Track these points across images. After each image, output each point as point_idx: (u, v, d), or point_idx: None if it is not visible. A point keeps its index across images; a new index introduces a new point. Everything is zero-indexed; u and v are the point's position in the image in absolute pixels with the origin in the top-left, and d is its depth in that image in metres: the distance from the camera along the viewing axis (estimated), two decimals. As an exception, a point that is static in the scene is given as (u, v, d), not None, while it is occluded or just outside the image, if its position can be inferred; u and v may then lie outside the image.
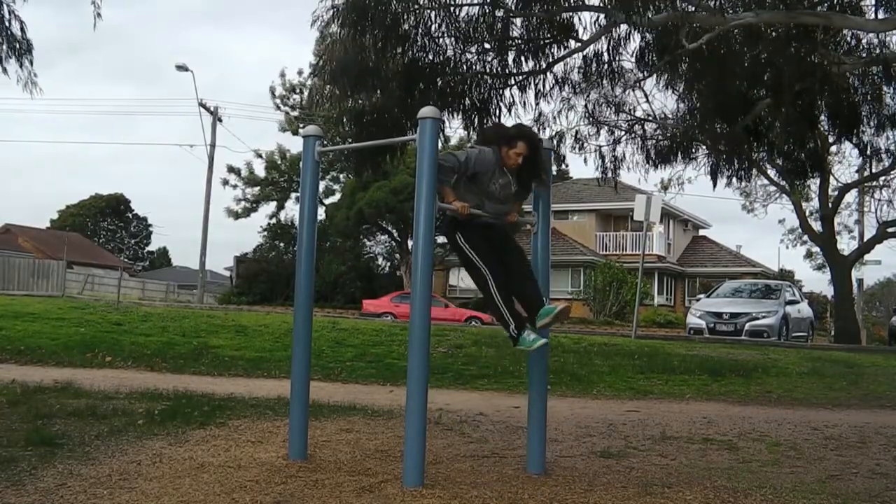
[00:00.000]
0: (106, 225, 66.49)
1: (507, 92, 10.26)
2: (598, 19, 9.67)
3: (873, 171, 21.55)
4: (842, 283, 23.04)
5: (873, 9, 9.45)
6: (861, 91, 10.75)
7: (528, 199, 5.31)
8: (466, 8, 9.28)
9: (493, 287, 4.83)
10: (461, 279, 33.36)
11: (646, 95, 11.79)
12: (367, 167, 10.57)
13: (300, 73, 35.92)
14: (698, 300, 23.13)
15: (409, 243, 29.26)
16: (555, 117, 11.19)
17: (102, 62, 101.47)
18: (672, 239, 38.52)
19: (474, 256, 4.89)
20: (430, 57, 9.47)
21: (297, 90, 36.39)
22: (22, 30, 9.92)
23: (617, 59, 10.28)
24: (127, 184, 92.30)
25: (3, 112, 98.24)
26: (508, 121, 9.84)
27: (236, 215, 37.93)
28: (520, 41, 9.81)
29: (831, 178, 24.04)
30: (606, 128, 11.71)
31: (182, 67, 32.20)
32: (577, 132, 11.55)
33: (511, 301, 4.87)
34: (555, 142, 11.18)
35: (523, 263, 5.01)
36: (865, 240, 27.30)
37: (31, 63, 10.16)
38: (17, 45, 9.94)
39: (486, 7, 9.09)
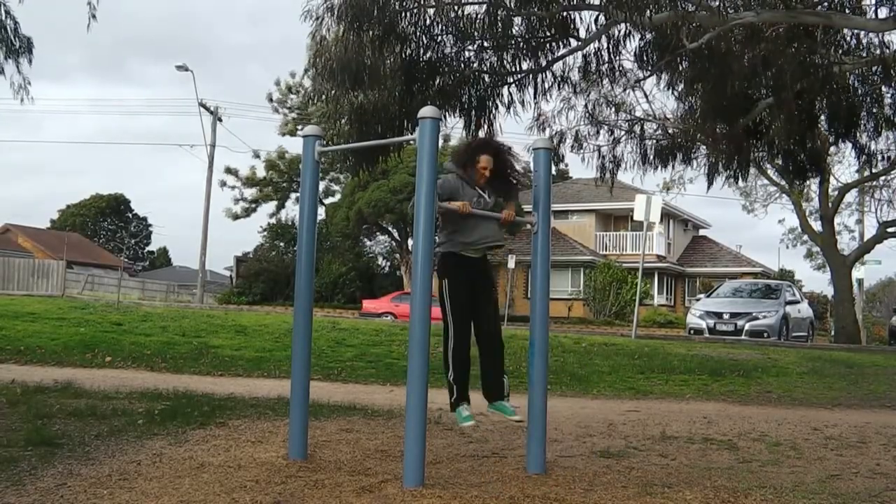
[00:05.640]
0: (106, 225, 66.42)
1: (505, 90, 10.27)
2: (597, 18, 9.66)
3: (873, 171, 21.55)
4: (842, 283, 23.05)
5: (874, 8, 9.45)
6: (861, 91, 10.75)
7: (528, 199, 5.31)
8: (466, 6, 9.27)
9: (451, 349, 5.01)
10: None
11: (645, 95, 11.78)
12: (363, 165, 10.57)
13: (293, 75, 35.96)
14: (698, 300, 23.13)
15: (409, 243, 29.25)
16: (554, 117, 11.19)
17: (102, 61, 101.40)
18: (672, 239, 38.51)
19: (448, 309, 5.00)
20: (429, 55, 9.47)
21: (295, 90, 36.38)
22: (15, 29, 9.90)
23: (617, 58, 10.28)
24: (127, 184, 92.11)
25: (3, 112, 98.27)
26: (507, 120, 9.87)
27: (235, 217, 37.98)
28: (519, 39, 9.80)
29: (831, 178, 24.05)
30: (606, 127, 11.70)
31: (182, 67, 32.19)
32: (577, 132, 11.54)
33: (462, 368, 5.06)
34: (554, 141, 11.16)
35: (494, 339, 5.16)
36: (865, 240, 27.31)
37: (30, 63, 10.14)
38: (17, 46, 9.91)
39: (486, 6, 9.08)
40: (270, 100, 36.91)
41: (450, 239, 5.05)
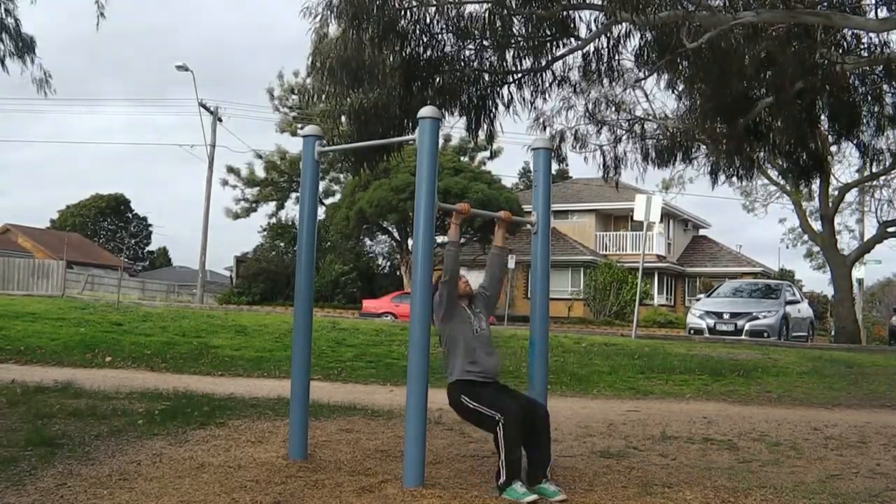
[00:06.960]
0: (106, 225, 66.34)
1: (506, 89, 10.26)
2: (598, 17, 9.65)
3: (873, 170, 21.54)
4: (842, 282, 23.02)
5: (874, 8, 9.44)
6: (861, 91, 10.74)
7: (528, 199, 5.33)
8: (466, 5, 9.26)
9: (502, 432, 4.43)
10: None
11: (646, 94, 11.80)
12: (363, 165, 10.55)
13: (296, 74, 35.94)
14: (698, 300, 23.12)
15: (410, 243, 29.24)
16: (555, 116, 11.19)
17: (102, 60, 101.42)
18: (672, 239, 38.49)
19: (479, 407, 4.56)
20: (429, 53, 9.46)
21: (296, 90, 36.37)
22: (16, 26, 9.95)
23: (617, 57, 10.27)
24: (127, 184, 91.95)
25: (3, 112, 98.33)
26: (507, 120, 9.90)
27: (235, 216, 38.01)
28: (519, 38, 9.79)
29: (832, 177, 24.01)
30: (607, 127, 11.69)
31: (182, 67, 32.17)
32: (577, 131, 11.54)
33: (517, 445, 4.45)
34: (555, 141, 11.16)
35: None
36: (865, 240, 27.30)
37: (33, 61, 10.19)
38: (19, 44, 9.96)
39: (486, 4, 9.07)
40: (272, 97, 36.95)
41: (459, 366, 4.71)
